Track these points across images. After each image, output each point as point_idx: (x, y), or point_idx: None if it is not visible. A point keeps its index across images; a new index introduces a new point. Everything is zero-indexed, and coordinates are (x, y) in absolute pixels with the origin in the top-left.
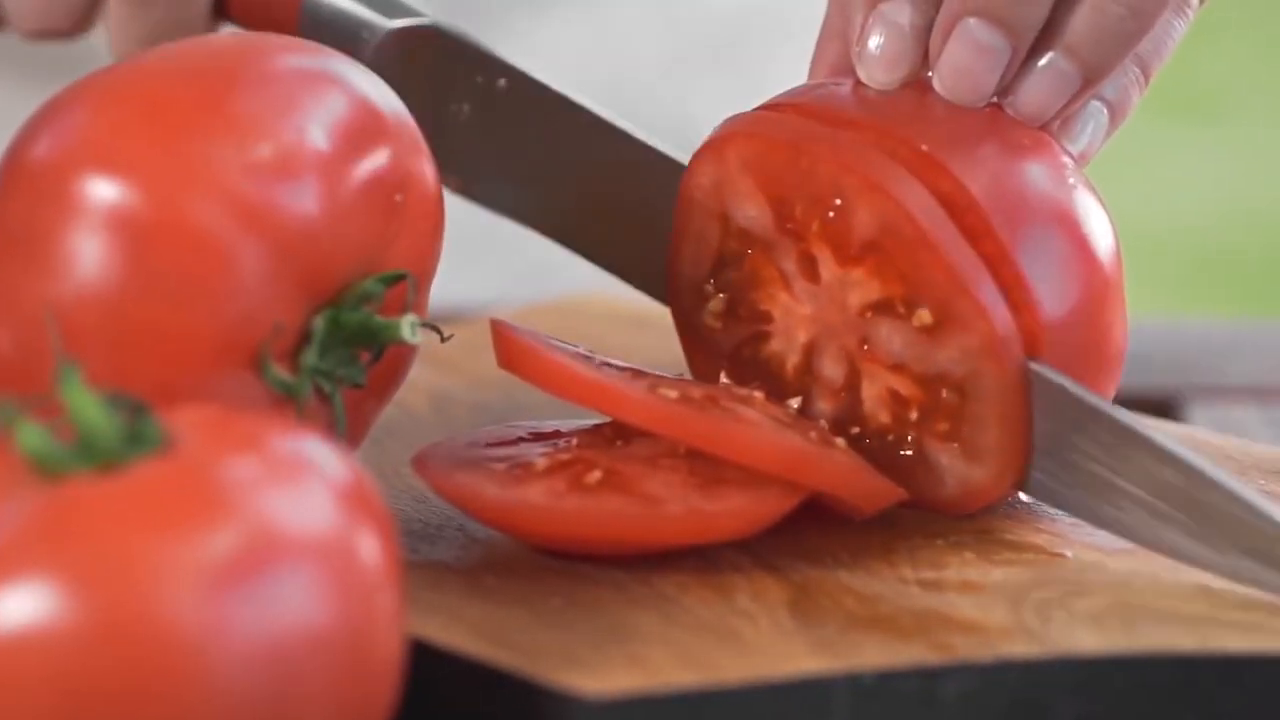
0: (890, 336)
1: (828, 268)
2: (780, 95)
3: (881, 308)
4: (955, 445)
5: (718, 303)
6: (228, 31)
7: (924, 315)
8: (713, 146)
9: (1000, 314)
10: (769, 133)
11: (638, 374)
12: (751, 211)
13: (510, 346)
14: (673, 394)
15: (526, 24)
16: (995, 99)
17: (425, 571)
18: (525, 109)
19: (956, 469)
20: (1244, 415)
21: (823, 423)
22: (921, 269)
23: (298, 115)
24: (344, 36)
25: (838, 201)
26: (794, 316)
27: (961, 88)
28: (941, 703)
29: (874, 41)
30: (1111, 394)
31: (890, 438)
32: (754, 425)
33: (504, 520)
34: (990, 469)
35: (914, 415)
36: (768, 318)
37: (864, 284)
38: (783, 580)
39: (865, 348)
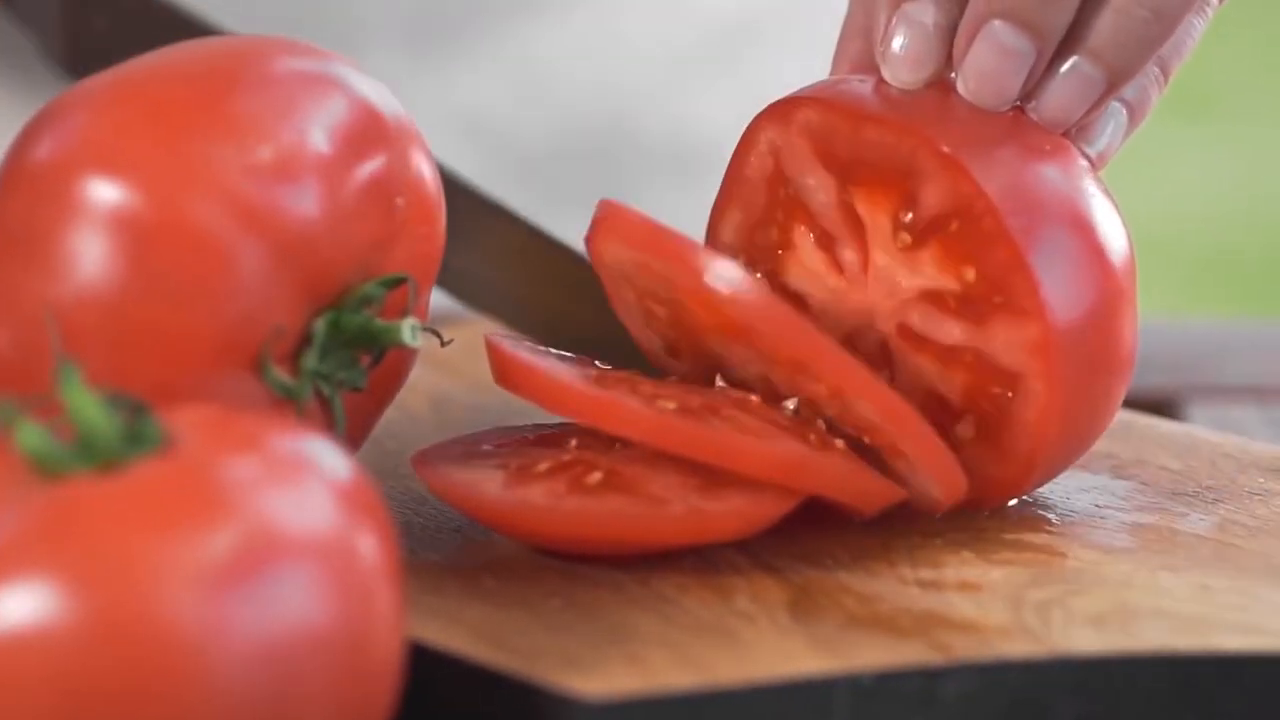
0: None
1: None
2: (802, 89)
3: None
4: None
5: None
6: None
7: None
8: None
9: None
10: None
11: (636, 381)
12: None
13: (505, 363)
14: (670, 405)
15: (527, 25)
16: (1018, 102)
17: (424, 573)
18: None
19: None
20: (1243, 415)
21: (821, 423)
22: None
23: (298, 117)
24: None
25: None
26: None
27: (985, 91)
28: (941, 703)
29: (898, 41)
30: (1121, 398)
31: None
32: (752, 434)
33: (504, 521)
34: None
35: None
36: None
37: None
38: (782, 581)
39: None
